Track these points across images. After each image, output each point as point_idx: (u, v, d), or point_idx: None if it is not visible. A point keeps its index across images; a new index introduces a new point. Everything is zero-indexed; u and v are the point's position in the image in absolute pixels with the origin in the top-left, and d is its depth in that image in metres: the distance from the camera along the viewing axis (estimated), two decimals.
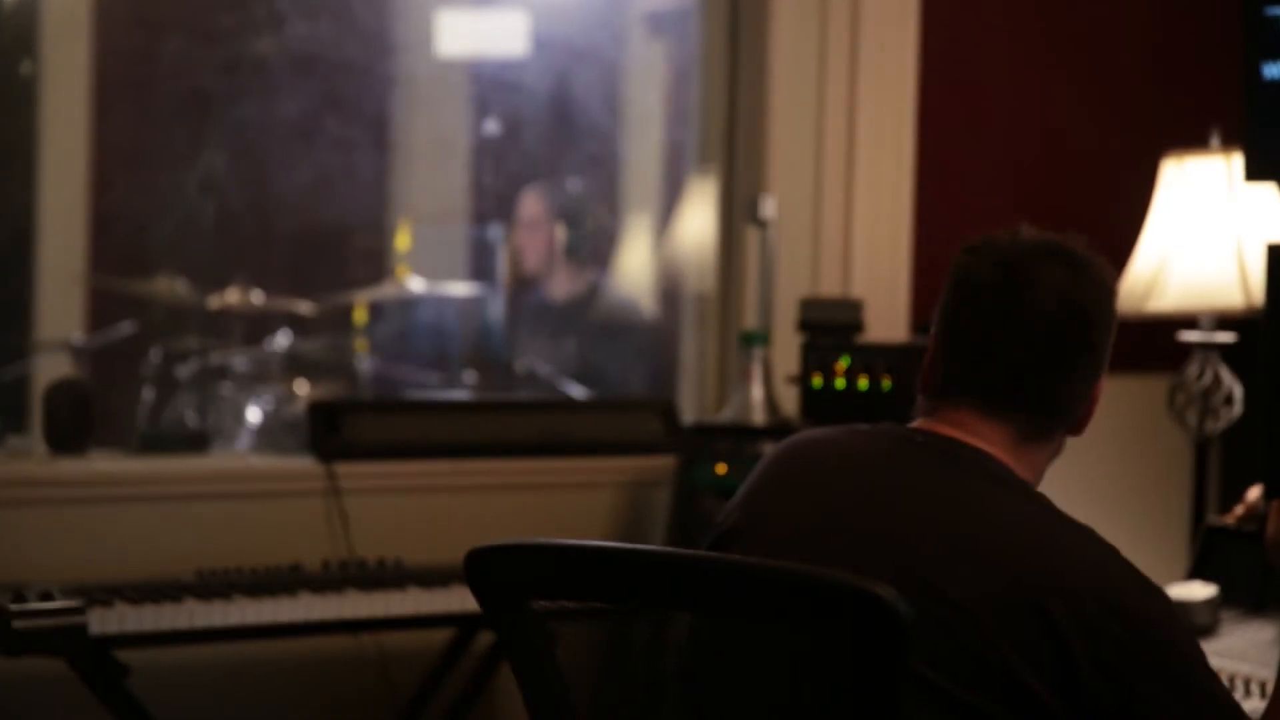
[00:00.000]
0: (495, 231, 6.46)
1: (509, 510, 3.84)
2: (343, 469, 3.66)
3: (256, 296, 5.08)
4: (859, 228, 4.15)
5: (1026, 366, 2.04)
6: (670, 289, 5.15)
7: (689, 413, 4.22)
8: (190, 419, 4.65)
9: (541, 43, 6.24)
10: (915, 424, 2.09)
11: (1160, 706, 1.86)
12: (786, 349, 3.93)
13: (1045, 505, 2.01)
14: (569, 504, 3.90)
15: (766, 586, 1.75)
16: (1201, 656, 1.94)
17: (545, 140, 6.37)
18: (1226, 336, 3.98)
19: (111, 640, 2.99)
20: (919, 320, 4.11)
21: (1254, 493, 3.34)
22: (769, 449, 2.22)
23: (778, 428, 3.79)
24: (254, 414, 4.60)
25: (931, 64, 4.26)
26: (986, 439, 2.04)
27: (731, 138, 4.26)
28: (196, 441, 3.87)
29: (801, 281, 4.10)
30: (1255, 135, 3.71)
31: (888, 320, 4.11)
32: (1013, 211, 4.20)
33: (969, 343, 2.06)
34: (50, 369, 4.64)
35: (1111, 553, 1.95)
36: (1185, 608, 2.76)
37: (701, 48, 4.36)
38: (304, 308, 5.34)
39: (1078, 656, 1.83)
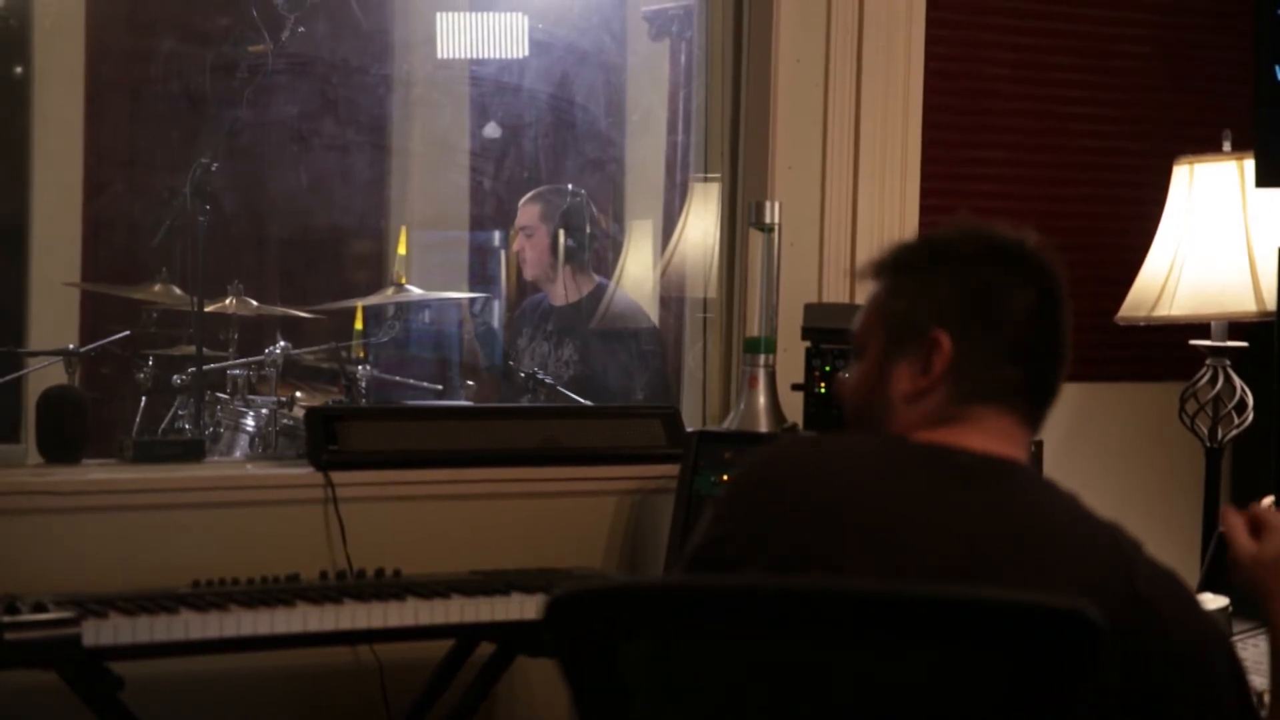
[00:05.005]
0: (496, 237, 6.46)
1: (510, 519, 3.82)
2: (341, 478, 3.64)
3: (253, 303, 5.12)
4: (864, 233, 4.14)
5: None
6: (674, 295, 5.15)
7: (692, 420, 4.21)
8: (186, 427, 4.65)
9: (542, 45, 6.28)
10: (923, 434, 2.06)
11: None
12: (791, 356, 3.91)
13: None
14: (571, 512, 3.88)
15: (953, 613, 1.72)
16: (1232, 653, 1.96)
17: (546, 144, 6.40)
18: (1238, 343, 4.00)
19: (105, 652, 2.95)
20: None
21: (1266, 501, 3.32)
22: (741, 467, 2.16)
23: (782, 435, 3.78)
24: (250, 422, 4.60)
25: (938, 67, 4.26)
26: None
27: (735, 142, 4.25)
28: (192, 450, 3.83)
29: (806, 287, 4.08)
30: (1267, 138, 3.78)
31: None
32: (1021, 216, 4.20)
33: None
34: (43, 376, 4.64)
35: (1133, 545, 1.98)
36: None
37: (705, 50, 4.34)
38: (301, 314, 5.36)
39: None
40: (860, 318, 2.12)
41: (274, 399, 4.57)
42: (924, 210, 4.21)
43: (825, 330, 3.78)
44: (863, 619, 1.74)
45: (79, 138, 5.59)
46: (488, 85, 6.43)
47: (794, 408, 3.84)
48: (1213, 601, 2.79)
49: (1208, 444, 4.02)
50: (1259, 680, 2.23)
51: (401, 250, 5.56)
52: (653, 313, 5.54)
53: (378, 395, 5.00)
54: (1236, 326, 3.99)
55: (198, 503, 3.59)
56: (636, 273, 5.71)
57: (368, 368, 4.97)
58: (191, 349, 4.70)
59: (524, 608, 3.25)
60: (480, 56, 6.33)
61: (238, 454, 4.52)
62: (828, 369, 3.76)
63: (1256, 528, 2.18)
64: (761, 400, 3.83)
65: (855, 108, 4.15)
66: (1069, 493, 2.00)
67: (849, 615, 1.75)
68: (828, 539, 1.94)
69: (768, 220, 3.87)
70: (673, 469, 3.74)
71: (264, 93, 5.50)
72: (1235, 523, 2.19)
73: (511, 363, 5.58)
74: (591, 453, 3.94)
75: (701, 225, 4.70)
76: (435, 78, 6.43)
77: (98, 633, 2.92)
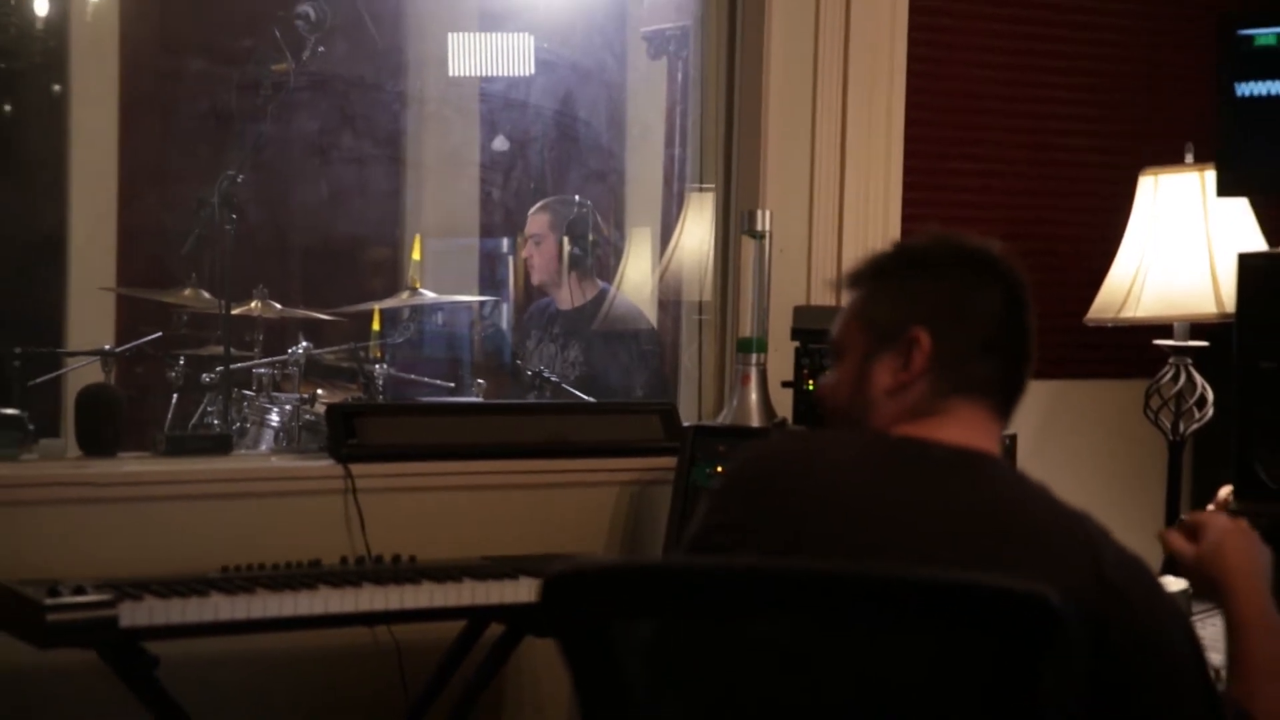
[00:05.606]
0: (504, 244, 6.45)
1: (518, 508, 3.86)
2: (359, 469, 3.67)
3: (276, 306, 5.15)
4: (850, 240, 4.17)
5: None
6: (671, 298, 5.14)
7: (689, 415, 4.22)
8: (214, 422, 4.70)
9: (547, 64, 6.26)
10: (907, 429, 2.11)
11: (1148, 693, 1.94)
12: (781, 355, 3.95)
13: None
14: (575, 502, 3.91)
15: (930, 596, 1.72)
16: (1193, 637, 2.02)
17: (551, 157, 6.36)
18: (1199, 343, 4.03)
19: (141, 632, 2.98)
20: None
21: (1225, 491, 3.47)
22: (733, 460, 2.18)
23: (773, 430, 3.79)
24: (275, 418, 4.64)
25: (920, 83, 4.29)
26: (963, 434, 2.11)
27: (729, 154, 4.27)
28: (220, 444, 3.86)
29: (795, 291, 4.12)
30: (1227, 151, 3.79)
31: None
32: (997, 224, 4.25)
33: None
34: (82, 375, 4.69)
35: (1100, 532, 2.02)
36: None
37: (700, 68, 4.36)
38: (322, 316, 5.38)
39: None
40: (839, 323, 2.16)
41: (297, 396, 4.59)
42: (905, 218, 4.23)
43: (813, 331, 3.79)
44: (838, 601, 1.75)
45: (114, 152, 5.59)
46: (496, 101, 6.42)
47: (784, 404, 3.88)
48: (1174, 584, 2.82)
49: (1170, 437, 4.06)
50: (1215, 657, 2.28)
51: (416, 256, 5.54)
52: (651, 315, 5.55)
53: (394, 392, 5.00)
54: (1198, 327, 4.02)
55: (226, 493, 3.62)
56: (636, 277, 5.72)
57: (384, 367, 4.99)
58: (219, 349, 4.77)
59: (531, 590, 3.24)
60: (489, 74, 6.31)
61: (263, 448, 4.56)
62: (816, 367, 3.79)
63: (1194, 532, 2.28)
64: (753, 397, 3.86)
65: (841, 122, 4.17)
66: (1039, 484, 2.04)
67: (820, 598, 1.76)
68: (815, 535, 1.98)
69: (759, 228, 3.89)
70: (670, 461, 3.78)
71: (286, 109, 5.50)
72: (1172, 536, 2.30)
73: (519, 361, 5.58)
74: (594, 446, 3.96)
75: (697, 233, 4.72)
76: (447, 94, 6.42)
77: (134, 614, 2.94)
